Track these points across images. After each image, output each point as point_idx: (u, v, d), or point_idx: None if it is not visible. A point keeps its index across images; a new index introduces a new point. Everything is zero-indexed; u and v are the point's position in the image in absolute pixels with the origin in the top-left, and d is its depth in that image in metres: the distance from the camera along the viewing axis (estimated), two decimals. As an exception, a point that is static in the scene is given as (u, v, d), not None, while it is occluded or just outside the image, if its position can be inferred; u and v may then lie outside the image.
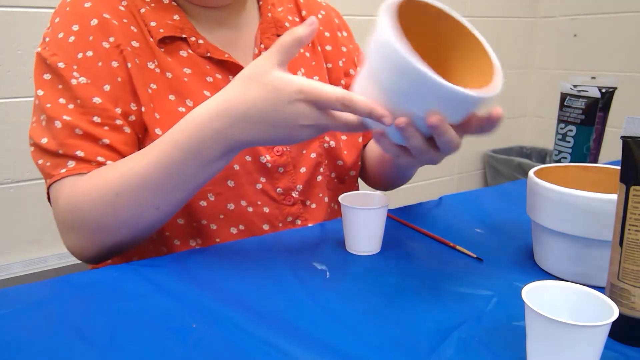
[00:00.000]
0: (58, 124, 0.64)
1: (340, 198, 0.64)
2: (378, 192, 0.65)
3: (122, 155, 0.66)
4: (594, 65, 2.23)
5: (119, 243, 0.64)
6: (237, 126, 0.55)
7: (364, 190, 0.70)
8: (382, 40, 0.48)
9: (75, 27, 0.67)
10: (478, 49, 0.54)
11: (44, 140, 0.65)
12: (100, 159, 0.64)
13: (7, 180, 1.41)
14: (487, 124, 0.52)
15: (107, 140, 0.65)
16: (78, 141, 0.64)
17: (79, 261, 0.68)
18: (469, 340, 0.46)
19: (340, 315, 0.50)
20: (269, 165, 0.74)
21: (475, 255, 0.62)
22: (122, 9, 0.69)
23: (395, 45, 0.46)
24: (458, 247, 0.64)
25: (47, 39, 0.68)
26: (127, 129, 0.66)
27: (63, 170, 0.64)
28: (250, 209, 0.73)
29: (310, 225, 0.76)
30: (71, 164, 0.64)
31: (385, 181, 0.89)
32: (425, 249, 0.65)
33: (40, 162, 0.66)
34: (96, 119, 0.65)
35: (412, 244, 0.66)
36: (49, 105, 0.65)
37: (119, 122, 0.66)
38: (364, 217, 0.62)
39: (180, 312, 0.50)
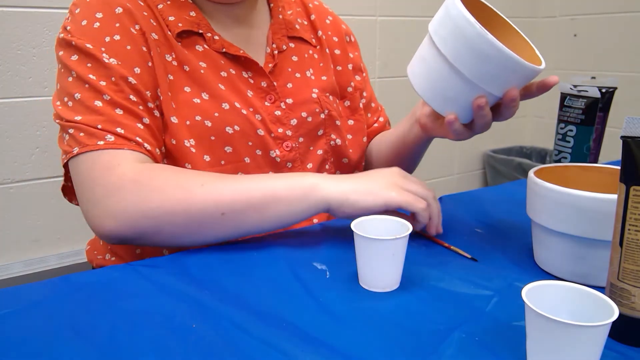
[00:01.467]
0: (98, 103, 0.63)
1: (352, 225, 0.55)
2: (396, 217, 0.58)
3: (156, 138, 0.67)
4: (594, 65, 2.23)
5: (155, 231, 0.61)
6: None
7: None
8: (468, 32, 0.56)
9: (99, 15, 0.67)
10: (514, 35, 0.65)
11: (78, 117, 0.63)
12: (138, 139, 0.64)
13: (7, 180, 1.41)
14: (544, 88, 0.64)
15: (147, 120, 0.66)
16: (119, 119, 0.64)
17: (79, 261, 0.68)
18: (469, 340, 0.46)
19: (340, 315, 0.50)
20: (278, 159, 0.76)
21: (470, 256, 0.62)
22: (141, 3, 0.71)
23: (488, 37, 0.54)
24: (453, 248, 0.64)
25: (69, 27, 0.68)
26: (157, 113, 0.68)
27: (101, 142, 0.62)
28: None
29: (310, 225, 0.76)
30: (110, 137, 0.62)
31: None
32: (425, 249, 0.65)
33: (71, 131, 0.63)
34: (133, 97, 0.65)
35: (412, 244, 0.66)
36: (86, 85, 0.64)
37: (150, 104, 0.67)
38: (383, 249, 0.53)
39: (180, 312, 0.50)
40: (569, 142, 0.86)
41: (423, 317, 0.49)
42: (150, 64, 0.68)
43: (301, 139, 0.79)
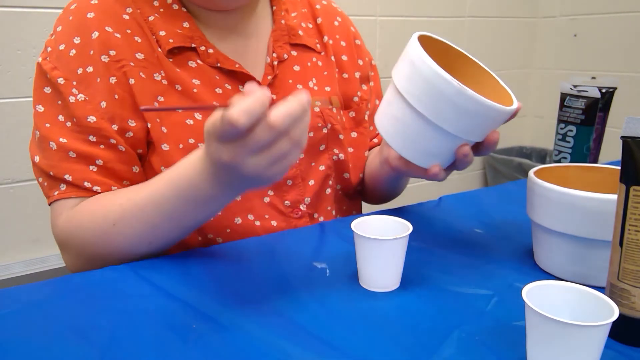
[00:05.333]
0: (53, 145, 0.65)
1: (352, 225, 0.55)
2: (396, 217, 0.57)
3: (116, 174, 0.66)
4: (594, 65, 2.23)
5: (108, 263, 0.64)
6: (215, 176, 0.54)
7: (372, 210, 0.67)
8: (446, 90, 0.52)
9: (76, 40, 0.66)
10: (474, 67, 0.62)
11: (37, 159, 0.66)
12: (87, 184, 0.65)
13: (7, 180, 1.41)
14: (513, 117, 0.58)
15: (100, 161, 0.65)
16: (69, 164, 0.65)
17: (78, 261, 0.68)
18: (469, 340, 0.46)
19: (341, 314, 0.50)
20: None
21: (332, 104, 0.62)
22: (127, 17, 0.68)
23: (468, 93, 0.51)
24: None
25: (49, 49, 0.67)
26: (122, 147, 0.66)
27: (56, 193, 0.66)
28: (257, 223, 0.72)
29: (310, 225, 0.76)
30: (62, 186, 0.65)
31: (379, 196, 0.89)
32: (425, 248, 0.65)
33: (40, 179, 0.67)
34: (92, 137, 0.65)
35: (412, 244, 0.66)
36: (47, 124, 0.65)
37: (113, 140, 0.65)
38: (383, 249, 0.53)
39: (180, 312, 0.50)
40: (569, 142, 0.86)
41: (423, 317, 0.50)
42: (117, 96, 0.65)
43: (302, 156, 0.75)
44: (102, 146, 0.65)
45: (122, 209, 0.61)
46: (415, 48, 0.54)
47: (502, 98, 0.58)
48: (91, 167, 0.65)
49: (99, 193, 0.65)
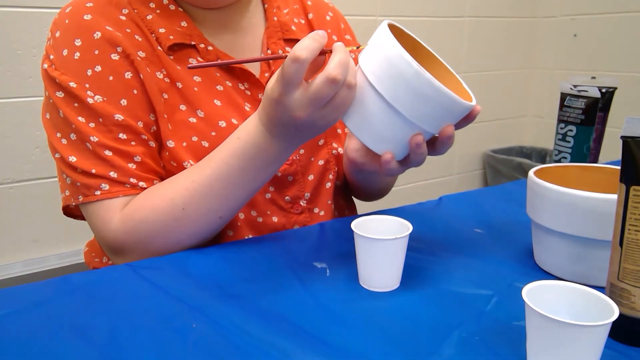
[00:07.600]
0: (88, 145, 0.64)
1: (352, 225, 0.55)
2: (396, 217, 0.57)
3: (152, 169, 0.66)
4: (594, 65, 2.23)
5: (176, 251, 0.65)
6: (281, 131, 0.58)
7: (372, 210, 0.66)
8: (405, 71, 0.52)
9: (77, 42, 0.65)
10: (439, 66, 0.62)
11: (73, 159, 0.64)
12: (132, 180, 0.64)
13: (7, 180, 1.41)
14: (470, 119, 0.58)
15: (138, 158, 0.65)
16: (110, 162, 0.64)
17: (79, 261, 0.68)
18: (470, 340, 0.46)
19: (341, 314, 0.50)
20: (279, 174, 0.73)
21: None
22: (124, 18, 0.68)
23: (427, 77, 0.51)
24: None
25: (52, 57, 0.66)
26: (152, 143, 0.67)
27: (97, 192, 0.64)
28: (260, 219, 0.73)
29: (310, 225, 0.76)
30: (105, 186, 0.64)
31: (355, 191, 0.88)
32: (425, 248, 0.65)
33: (68, 180, 0.66)
34: (122, 135, 0.65)
35: (412, 244, 0.66)
36: (73, 125, 0.64)
37: (144, 136, 0.66)
38: (383, 249, 0.53)
39: (180, 312, 0.50)
40: (569, 142, 0.86)
41: (423, 317, 0.50)
42: (136, 91, 0.66)
43: (302, 151, 0.76)
44: (133, 143, 0.65)
45: (189, 192, 0.62)
46: (382, 31, 0.55)
47: (462, 97, 0.58)
48: (130, 165, 0.65)
49: (144, 189, 0.65)
